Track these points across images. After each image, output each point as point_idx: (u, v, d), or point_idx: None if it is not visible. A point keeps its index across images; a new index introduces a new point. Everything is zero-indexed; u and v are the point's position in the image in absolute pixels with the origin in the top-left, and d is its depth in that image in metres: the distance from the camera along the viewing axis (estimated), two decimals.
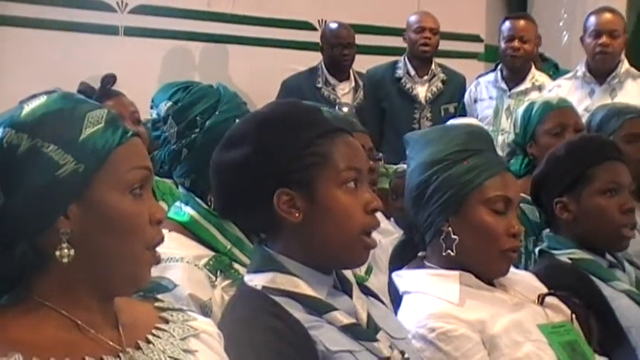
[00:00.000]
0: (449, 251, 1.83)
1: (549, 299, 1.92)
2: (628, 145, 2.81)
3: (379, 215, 3.10)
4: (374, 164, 2.79)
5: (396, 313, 1.84)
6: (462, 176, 1.82)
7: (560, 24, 6.18)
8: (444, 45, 5.26)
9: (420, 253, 1.93)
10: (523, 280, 1.97)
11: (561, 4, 6.17)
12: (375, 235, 2.79)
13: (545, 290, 1.96)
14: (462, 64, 5.81)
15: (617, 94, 4.23)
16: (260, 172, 1.49)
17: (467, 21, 6.41)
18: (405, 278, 1.91)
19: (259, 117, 1.59)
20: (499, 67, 4.85)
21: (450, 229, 1.83)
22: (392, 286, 1.94)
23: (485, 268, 1.87)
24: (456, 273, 1.83)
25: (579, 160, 2.24)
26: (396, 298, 1.92)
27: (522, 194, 2.13)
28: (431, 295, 1.82)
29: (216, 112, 1.95)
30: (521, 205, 2.16)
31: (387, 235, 3.01)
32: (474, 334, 1.75)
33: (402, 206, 3.40)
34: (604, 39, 4.21)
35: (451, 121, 3.51)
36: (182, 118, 1.95)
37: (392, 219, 3.42)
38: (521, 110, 3.07)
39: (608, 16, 4.28)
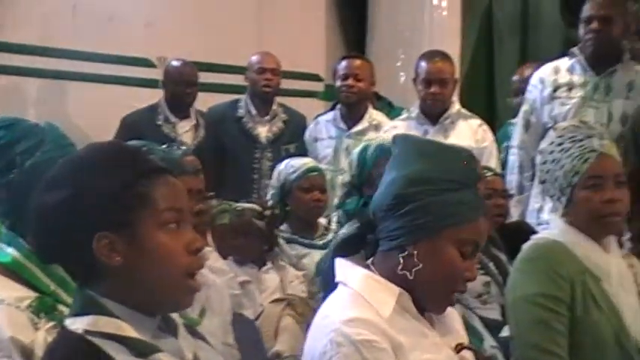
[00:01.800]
0: (406, 272, 1.78)
1: (465, 352, 1.89)
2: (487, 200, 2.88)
3: (214, 255, 3.11)
4: (202, 206, 2.77)
5: (325, 298, 1.83)
6: (448, 208, 1.78)
7: (398, 64, 6.34)
8: (285, 84, 5.31)
9: (368, 260, 1.87)
10: (448, 318, 1.93)
11: (399, 44, 6.34)
12: (209, 275, 2.78)
13: (464, 334, 1.95)
14: (302, 102, 5.90)
15: (450, 135, 4.38)
16: (78, 216, 1.46)
17: (307, 60, 6.50)
18: (347, 270, 1.85)
19: (77, 159, 1.56)
20: (338, 106, 4.94)
21: (415, 252, 1.78)
22: (330, 270, 1.88)
23: (430, 302, 1.83)
24: (397, 290, 1.79)
25: None
26: (330, 281, 1.87)
27: None
28: (365, 299, 1.78)
29: (38, 153, 1.90)
30: None
31: (222, 274, 3.00)
32: (392, 354, 1.73)
33: (239, 244, 3.45)
34: (434, 88, 4.35)
35: None
36: (1, 157, 1.90)
37: (229, 258, 3.42)
38: (356, 152, 3.10)
39: (438, 64, 4.40)
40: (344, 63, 4.83)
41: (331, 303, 1.84)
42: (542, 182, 2.50)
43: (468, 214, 1.80)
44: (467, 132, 4.40)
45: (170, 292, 1.51)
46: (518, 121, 4.35)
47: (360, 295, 1.79)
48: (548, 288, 2.34)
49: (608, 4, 4.04)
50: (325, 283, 1.93)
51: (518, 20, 7.41)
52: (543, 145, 2.50)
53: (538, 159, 2.53)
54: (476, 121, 4.51)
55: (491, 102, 6.99)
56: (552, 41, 6.99)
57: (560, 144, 2.42)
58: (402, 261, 1.79)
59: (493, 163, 4.32)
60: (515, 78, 5.30)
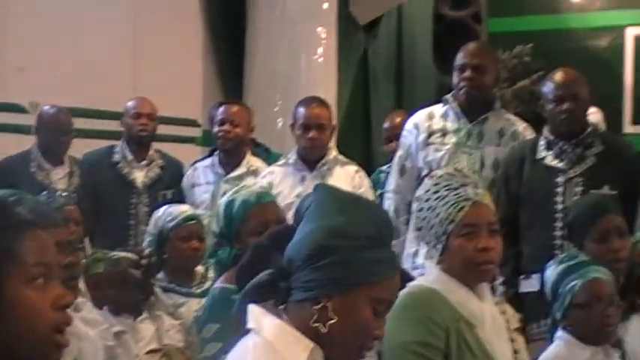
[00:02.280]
0: (319, 325, 1.73)
1: None
2: None
3: (88, 305, 3.02)
4: (73, 258, 2.70)
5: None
6: (367, 264, 1.74)
7: (275, 110, 6.37)
8: (162, 129, 5.27)
9: (281, 306, 1.81)
10: None
11: (276, 90, 6.38)
12: (82, 326, 2.70)
13: None
14: (179, 148, 5.85)
15: (327, 181, 4.39)
16: None
17: (184, 106, 6.47)
18: (260, 317, 1.80)
19: None
20: (215, 152, 4.92)
21: (329, 305, 1.73)
22: (241, 311, 1.82)
23: (340, 357, 1.78)
24: (311, 345, 1.74)
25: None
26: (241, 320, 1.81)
27: None
28: (277, 351, 1.73)
29: None
30: None
31: (96, 325, 2.93)
32: None
33: (114, 295, 3.36)
34: (312, 133, 4.38)
35: None
36: None
37: (105, 308, 3.34)
38: (222, 205, 3.00)
39: (316, 109, 4.44)
40: (221, 109, 4.83)
41: (242, 350, 1.79)
42: (419, 229, 2.53)
43: (385, 272, 1.78)
44: (344, 178, 4.43)
45: (37, 349, 1.45)
46: (393, 166, 4.40)
47: (273, 345, 1.76)
48: (423, 335, 2.35)
49: (480, 53, 4.17)
50: (234, 328, 1.86)
51: (393, 68, 7.58)
52: (419, 192, 2.53)
53: (414, 206, 2.57)
54: (352, 168, 4.55)
55: (368, 148, 7.11)
56: (426, 88, 7.18)
57: (436, 192, 2.46)
58: (315, 313, 1.75)
59: None
60: (385, 125, 5.38)
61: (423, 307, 2.40)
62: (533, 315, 3.59)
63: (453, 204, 2.41)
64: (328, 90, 6.08)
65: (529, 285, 3.78)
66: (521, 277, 3.84)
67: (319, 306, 1.74)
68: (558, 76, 3.86)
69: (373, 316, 1.76)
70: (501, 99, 7.64)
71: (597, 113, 7.60)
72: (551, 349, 2.85)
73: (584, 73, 3.99)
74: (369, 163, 6.25)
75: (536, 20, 8.22)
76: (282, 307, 1.83)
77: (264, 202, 2.94)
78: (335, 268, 1.74)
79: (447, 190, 2.44)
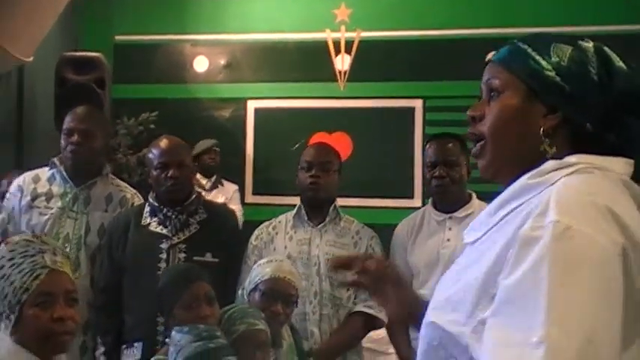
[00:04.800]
0: None
1: None
2: None
3: None
4: None
5: None
6: None
7: None
8: None
9: None
10: None
11: None
12: None
13: None
14: None
15: None
16: None
17: None
18: None
19: None
20: None
21: None
22: None
23: None
24: None
25: None
26: None
27: None
28: None
29: None
30: None
31: None
32: None
33: None
34: None
35: None
36: None
37: None
38: None
39: None
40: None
41: None
42: None
43: None
44: None
45: None
46: None
47: None
48: None
49: (88, 118, 4.08)
50: None
51: (12, 128, 7.31)
52: None
53: None
54: None
55: None
56: (48, 149, 6.96)
57: (11, 258, 2.34)
58: None
59: None
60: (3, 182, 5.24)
61: None
62: None
63: (29, 271, 2.30)
64: None
65: (131, 354, 3.70)
66: (124, 346, 3.76)
67: None
68: (163, 143, 3.88)
69: None
70: (126, 165, 7.69)
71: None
72: None
73: None
74: None
75: (162, 89, 8.33)
76: None
77: None
78: None
79: (23, 257, 2.32)
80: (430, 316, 1.61)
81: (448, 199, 3.96)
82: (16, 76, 7.32)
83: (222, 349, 2.81)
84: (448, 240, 3.89)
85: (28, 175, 4.15)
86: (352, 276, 2.03)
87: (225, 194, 7.71)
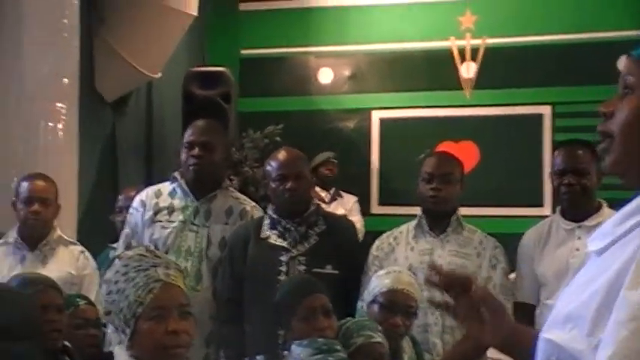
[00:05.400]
0: None
1: None
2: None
3: None
4: None
5: None
6: None
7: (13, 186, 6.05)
8: None
9: None
10: None
11: (12, 168, 6.05)
12: None
13: None
14: None
15: (49, 261, 4.20)
16: None
17: None
18: None
19: None
20: None
21: None
22: None
23: None
24: None
25: None
26: None
27: None
28: None
29: None
30: None
31: None
32: None
33: None
34: (35, 207, 4.15)
35: None
36: None
37: None
38: None
39: (39, 182, 4.25)
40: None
41: None
42: (107, 313, 2.39)
43: None
44: (67, 259, 4.25)
45: None
46: (120, 243, 4.24)
47: None
48: None
49: (208, 131, 4.10)
50: None
51: (143, 144, 7.47)
52: (109, 274, 2.39)
53: (103, 289, 2.42)
54: (77, 248, 4.36)
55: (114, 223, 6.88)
56: (177, 165, 7.09)
57: (125, 273, 2.34)
58: None
59: (93, 291, 4.15)
60: (119, 197, 5.38)
61: None
62: None
63: (142, 285, 2.30)
64: (69, 165, 5.83)
65: None
66: (246, 359, 3.75)
67: None
68: (281, 155, 3.86)
69: None
70: (252, 178, 7.76)
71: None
72: None
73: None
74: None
75: (287, 101, 8.39)
76: None
77: None
78: None
79: (137, 271, 2.33)
80: (548, 332, 1.53)
81: (577, 207, 3.81)
82: (145, 93, 7.49)
83: None
84: (577, 249, 3.74)
85: (150, 190, 4.19)
86: (442, 294, 1.94)
87: (345, 206, 7.68)
